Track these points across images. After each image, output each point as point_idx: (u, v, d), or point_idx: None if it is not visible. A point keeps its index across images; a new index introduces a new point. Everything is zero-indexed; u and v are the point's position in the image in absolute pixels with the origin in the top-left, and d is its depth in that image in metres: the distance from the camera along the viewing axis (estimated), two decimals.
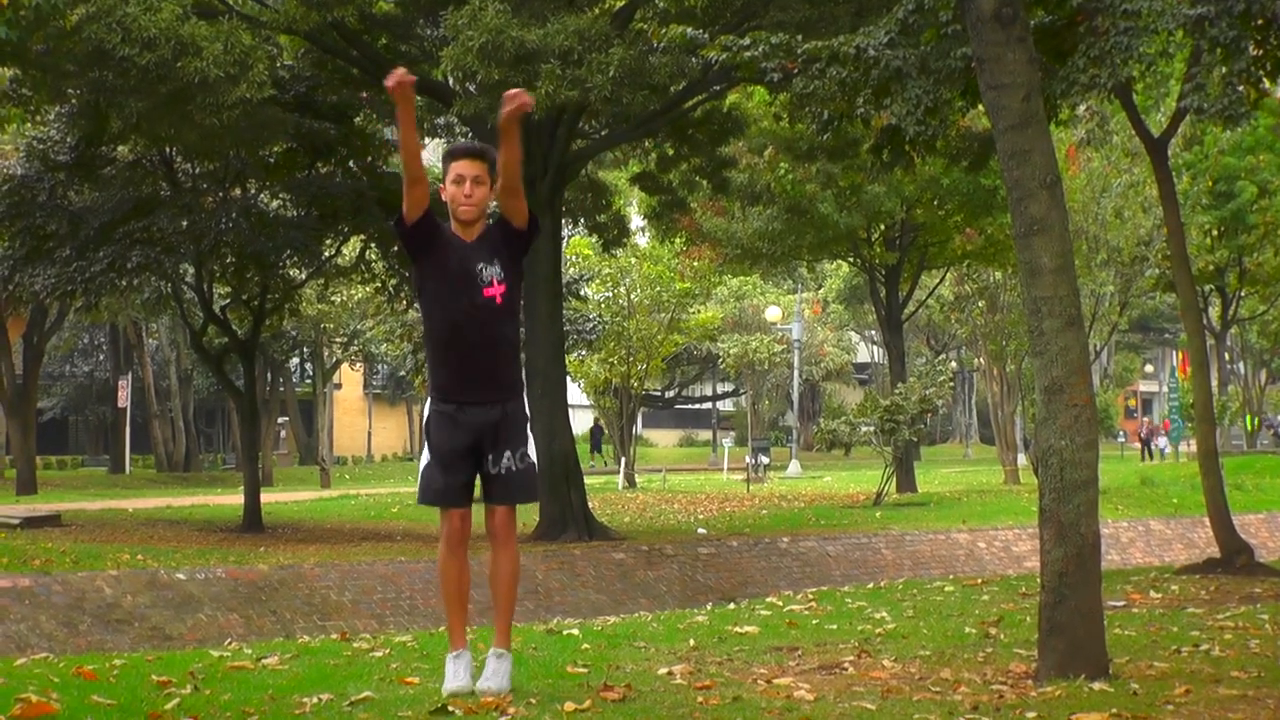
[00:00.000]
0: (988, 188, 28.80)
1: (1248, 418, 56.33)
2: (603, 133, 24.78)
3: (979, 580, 14.88)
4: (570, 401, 24.85)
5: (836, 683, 6.93)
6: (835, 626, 9.83)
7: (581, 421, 50.55)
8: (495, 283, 6.20)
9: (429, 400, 6.42)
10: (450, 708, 5.90)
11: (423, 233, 6.26)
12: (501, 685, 6.23)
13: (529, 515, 21.52)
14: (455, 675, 6.29)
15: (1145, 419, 78.04)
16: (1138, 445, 59.64)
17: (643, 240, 39.05)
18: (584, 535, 21.80)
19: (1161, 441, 57.51)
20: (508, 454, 6.28)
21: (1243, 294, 46.92)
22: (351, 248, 26.72)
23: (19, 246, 22.26)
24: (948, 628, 9.60)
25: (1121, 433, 67.75)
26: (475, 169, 6.24)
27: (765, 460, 45.01)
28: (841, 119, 13.69)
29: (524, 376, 6.46)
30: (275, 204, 24.12)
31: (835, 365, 66.03)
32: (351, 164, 24.10)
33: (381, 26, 22.52)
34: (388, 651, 8.35)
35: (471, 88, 19.62)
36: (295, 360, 56.40)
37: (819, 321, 65.07)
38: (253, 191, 23.85)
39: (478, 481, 6.44)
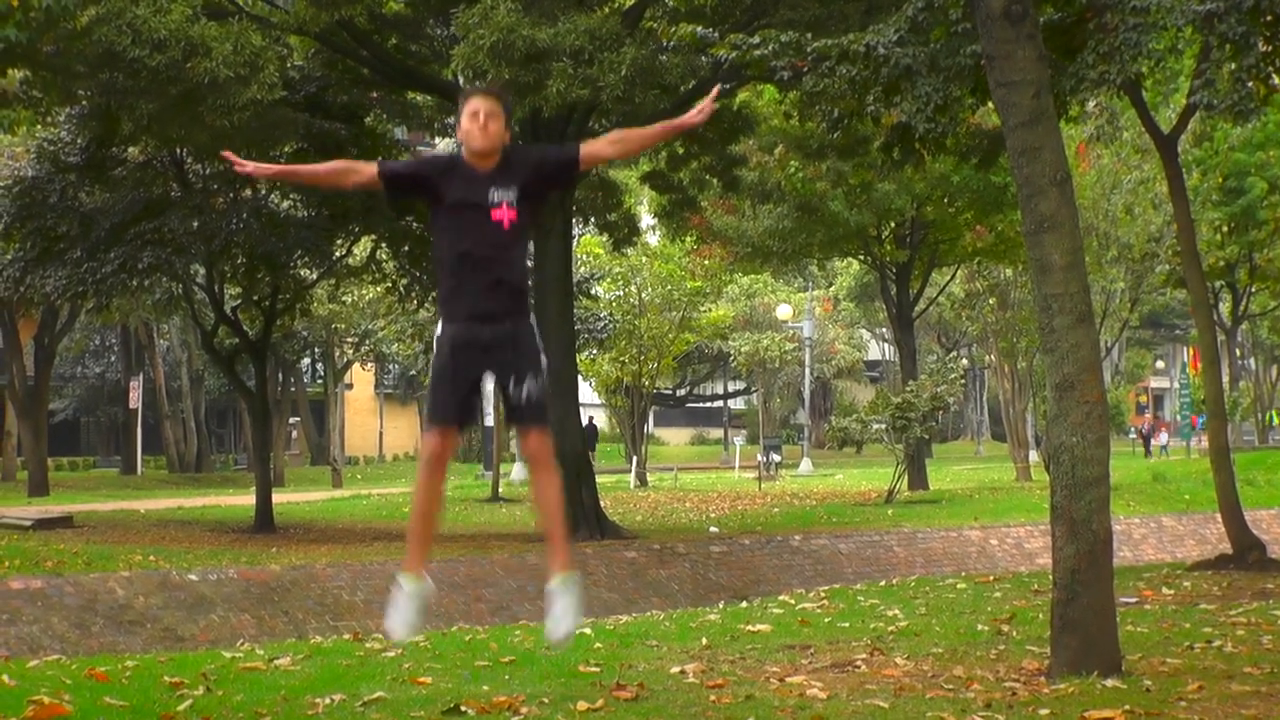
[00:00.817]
0: (998, 185, 28.75)
1: (1271, 413, 56.19)
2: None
3: (991, 577, 14.87)
4: (581, 400, 24.81)
5: (849, 681, 6.93)
6: (847, 624, 9.83)
7: None
8: (506, 206, 6.02)
9: (439, 323, 6.26)
10: (463, 707, 5.90)
11: (405, 183, 6.24)
12: (570, 627, 5.82)
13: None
14: (406, 616, 6.04)
15: (1146, 416, 77.97)
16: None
17: (653, 239, 39.04)
18: (596, 534, 21.78)
19: (1163, 438, 57.49)
20: (529, 379, 6.06)
21: (1253, 290, 46.87)
22: (362, 248, 26.72)
23: (30, 248, 22.29)
24: (960, 625, 9.60)
25: (1132, 429, 67.69)
26: (490, 105, 6.15)
27: (777, 458, 44.98)
28: (851, 117, 13.72)
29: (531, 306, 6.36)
30: (286, 204, 24.10)
31: (846, 363, 65.97)
32: None
33: (391, 26, 22.54)
34: (400, 652, 8.36)
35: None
36: (306, 360, 56.45)
37: (830, 319, 65.01)
38: (263, 192, 23.84)
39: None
